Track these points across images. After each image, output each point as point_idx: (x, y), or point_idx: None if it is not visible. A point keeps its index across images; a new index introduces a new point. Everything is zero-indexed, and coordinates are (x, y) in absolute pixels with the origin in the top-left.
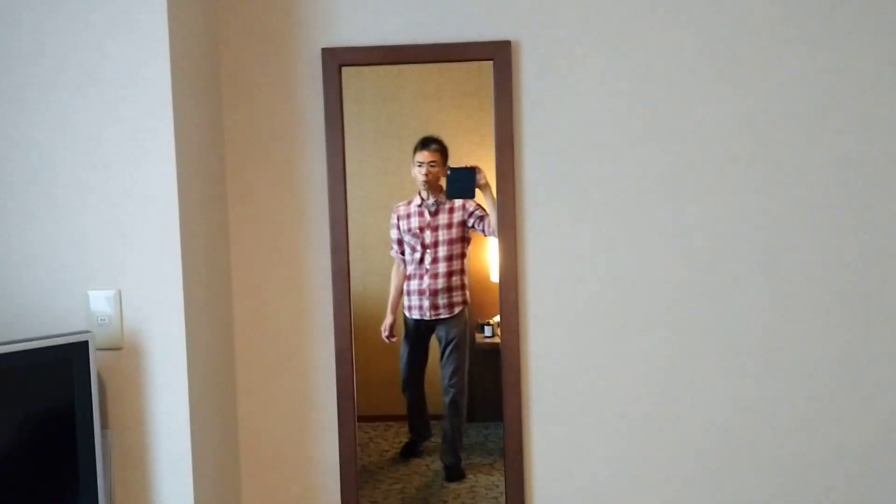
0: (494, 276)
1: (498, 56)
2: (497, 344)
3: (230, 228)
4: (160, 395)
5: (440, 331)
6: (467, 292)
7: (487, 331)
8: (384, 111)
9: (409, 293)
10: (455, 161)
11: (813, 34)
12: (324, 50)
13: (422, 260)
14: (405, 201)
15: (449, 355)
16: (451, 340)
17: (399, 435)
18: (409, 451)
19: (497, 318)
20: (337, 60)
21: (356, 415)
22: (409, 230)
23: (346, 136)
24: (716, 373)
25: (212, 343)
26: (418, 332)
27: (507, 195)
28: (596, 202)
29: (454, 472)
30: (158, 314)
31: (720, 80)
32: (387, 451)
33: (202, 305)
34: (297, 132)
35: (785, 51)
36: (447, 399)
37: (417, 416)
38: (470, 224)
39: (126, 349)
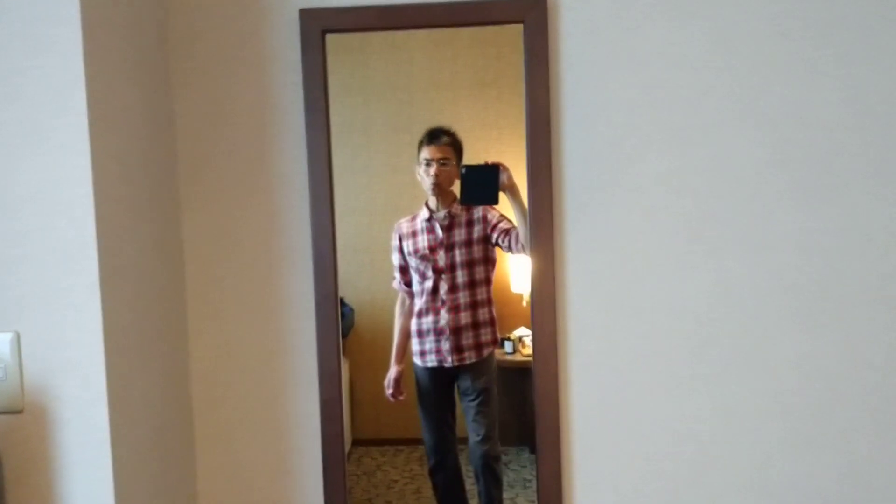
0: (514, 287)
1: (530, 17)
2: (519, 362)
3: (185, 244)
4: (75, 474)
5: (464, 380)
6: (497, 330)
7: (508, 346)
8: (392, 102)
9: (420, 334)
10: (471, 160)
11: None
12: (302, 12)
13: (435, 289)
14: (408, 217)
15: (478, 412)
16: (481, 392)
17: (410, 462)
18: None
19: (518, 333)
20: (319, 25)
21: (346, 486)
22: (417, 251)
23: (350, 130)
24: (818, 428)
25: (153, 399)
26: (438, 387)
27: (541, 198)
28: (657, 206)
29: None
30: (72, 364)
31: (823, 48)
32: (396, 480)
33: (136, 350)
34: (270, 118)
35: None
36: (479, 464)
37: (455, 501)
38: (494, 240)
39: (28, 412)
